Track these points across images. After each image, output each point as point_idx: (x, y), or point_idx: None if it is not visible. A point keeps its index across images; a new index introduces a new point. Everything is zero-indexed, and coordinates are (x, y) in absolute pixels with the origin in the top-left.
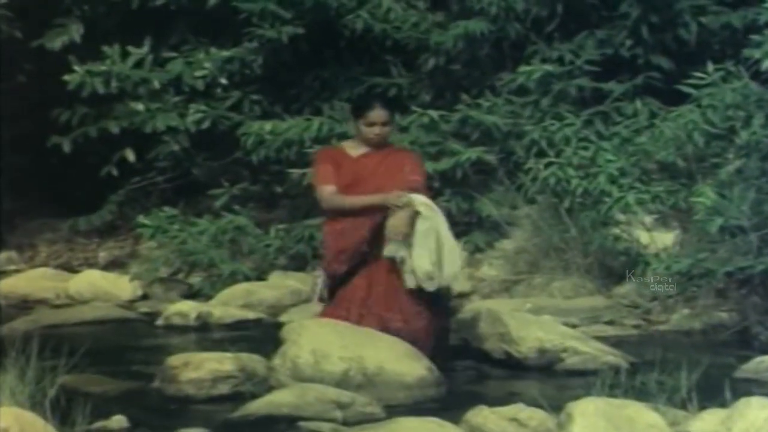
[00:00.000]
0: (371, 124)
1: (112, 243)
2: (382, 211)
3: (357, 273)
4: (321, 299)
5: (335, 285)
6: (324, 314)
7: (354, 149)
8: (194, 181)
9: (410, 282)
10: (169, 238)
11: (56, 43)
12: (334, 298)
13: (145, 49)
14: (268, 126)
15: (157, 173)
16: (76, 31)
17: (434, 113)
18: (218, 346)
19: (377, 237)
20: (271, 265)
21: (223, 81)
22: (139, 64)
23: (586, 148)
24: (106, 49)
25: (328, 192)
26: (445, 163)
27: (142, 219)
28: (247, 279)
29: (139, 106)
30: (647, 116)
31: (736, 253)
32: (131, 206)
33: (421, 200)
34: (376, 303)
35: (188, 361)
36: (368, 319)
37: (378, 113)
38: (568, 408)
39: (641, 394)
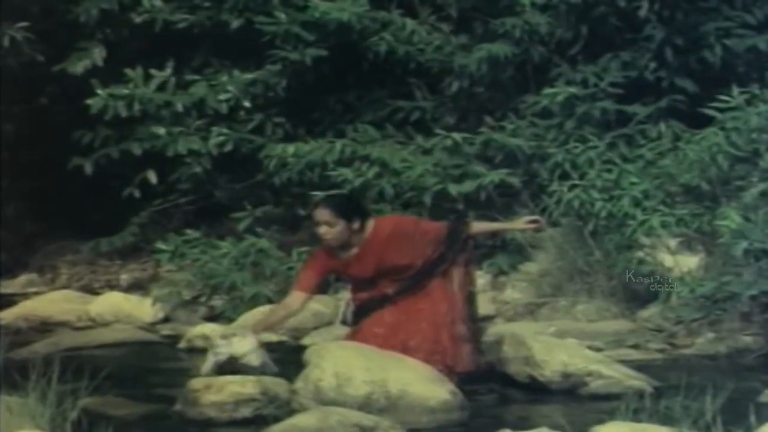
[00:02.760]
0: (317, 224)
1: (134, 265)
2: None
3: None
4: (344, 322)
5: (361, 314)
6: (347, 338)
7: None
8: (217, 204)
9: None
10: (191, 260)
11: (78, 67)
12: (359, 325)
13: (168, 71)
14: (290, 148)
15: (179, 195)
16: (98, 55)
17: (458, 136)
18: None
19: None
20: None
21: (247, 104)
22: (161, 87)
23: (610, 171)
24: (128, 71)
25: (290, 300)
26: (468, 186)
27: (159, 244)
28: (270, 302)
29: (161, 130)
30: (671, 139)
31: (761, 277)
32: (153, 228)
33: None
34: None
35: (210, 384)
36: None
37: (319, 212)
38: None
39: (666, 419)
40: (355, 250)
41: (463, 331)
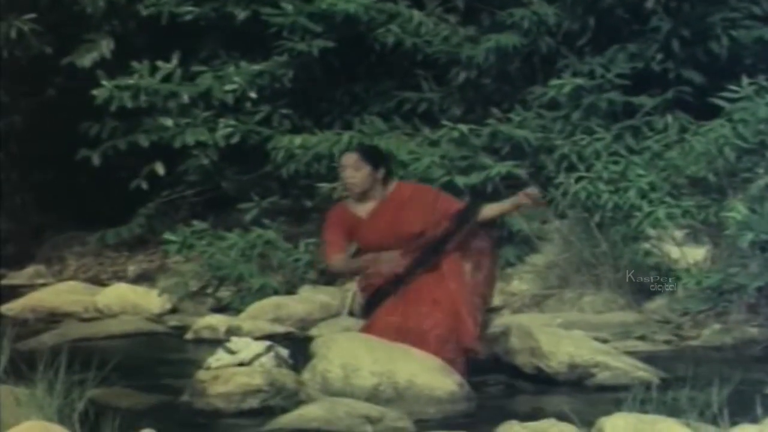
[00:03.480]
0: (342, 169)
1: (141, 256)
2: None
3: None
4: (351, 313)
5: (373, 303)
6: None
7: (352, 205)
8: (224, 195)
9: None
10: (198, 252)
11: (86, 60)
12: (371, 316)
13: (174, 63)
14: (298, 140)
15: (186, 187)
16: (106, 47)
17: (464, 127)
18: None
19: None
20: (301, 279)
21: (253, 95)
22: (167, 79)
23: (616, 163)
24: (134, 64)
25: (338, 261)
26: (475, 178)
27: (167, 235)
28: (277, 293)
29: (168, 122)
30: (678, 131)
31: (767, 268)
32: (160, 220)
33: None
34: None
35: (217, 375)
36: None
37: (346, 156)
38: (599, 423)
39: (672, 410)
40: (371, 205)
41: (480, 319)
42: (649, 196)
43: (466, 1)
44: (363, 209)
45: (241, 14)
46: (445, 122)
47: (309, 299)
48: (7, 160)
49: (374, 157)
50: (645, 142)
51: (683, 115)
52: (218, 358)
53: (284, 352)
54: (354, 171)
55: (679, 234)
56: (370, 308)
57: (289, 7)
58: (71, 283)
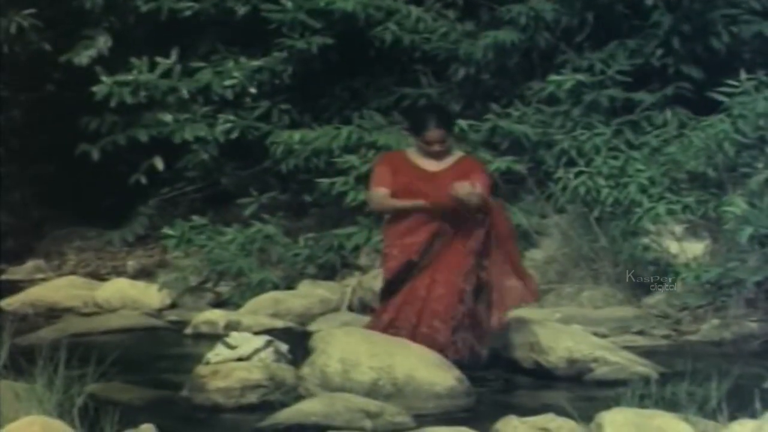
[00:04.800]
0: (429, 143)
1: (140, 251)
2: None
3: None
4: (351, 308)
5: (392, 289)
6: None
7: (415, 156)
8: (223, 190)
9: None
10: (198, 246)
11: (83, 58)
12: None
13: (173, 59)
14: (297, 135)
15: (186, 182)
16: (104, 43)
17: (464, 123)
18: None
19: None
20: (300, 274)
21: (253, 90)
22: (167, 74)
23: (616, 158)
24: (133, 60)
25: (378, 194)
26: None
27: (166, 229)
28: (276, 288)
29: (167, 117)
30: (677, 126)
31: (765, 263)
32: (160, 215)
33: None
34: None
35: (217, 370)
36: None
37: (434, 134)
38: (598, 418)
39: (671, 405)
40: (442, 163)
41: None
42: (648, 191)
43: None
44: (431, 164)
45: (241, 10)
46: None
47: (308, 294)
48: (7, 154)
49: (450, 124)
50: (644, 138)
51: (682, 110)
52: (217, 353)
53: (283, 347)
54: (441, 145)
55: (678, 229)
56: (390, 288)
57: (289, 4)
58: (71, 278)
